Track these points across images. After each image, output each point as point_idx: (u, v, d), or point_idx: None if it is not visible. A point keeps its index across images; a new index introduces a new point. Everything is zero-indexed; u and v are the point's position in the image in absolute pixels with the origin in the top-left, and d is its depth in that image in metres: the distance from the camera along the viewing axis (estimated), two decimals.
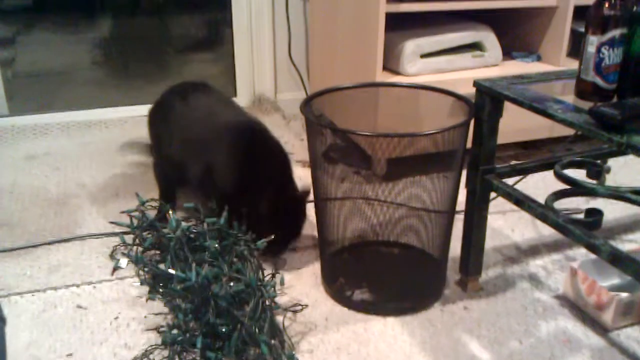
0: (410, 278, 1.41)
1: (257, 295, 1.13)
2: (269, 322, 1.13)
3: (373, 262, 1.47)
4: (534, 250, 1.53)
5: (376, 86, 1.53)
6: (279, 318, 1.24)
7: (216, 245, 1.23)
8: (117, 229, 1.49)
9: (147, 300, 1.26)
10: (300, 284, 1.37)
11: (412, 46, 1.87)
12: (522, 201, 1.15)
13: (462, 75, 1.90)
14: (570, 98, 1.11)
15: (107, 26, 3.18)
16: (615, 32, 1.03)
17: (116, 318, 1.25)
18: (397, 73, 1.90)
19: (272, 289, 1.19)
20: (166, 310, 1.25)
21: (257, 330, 1.10)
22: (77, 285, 1.35)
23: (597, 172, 1.26)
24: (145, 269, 1.31)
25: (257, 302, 1.13)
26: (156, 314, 1.25)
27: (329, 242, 1.38)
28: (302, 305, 1.29)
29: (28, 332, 1.21)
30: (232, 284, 1.15)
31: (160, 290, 1.24)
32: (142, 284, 1.27)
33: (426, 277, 1.40)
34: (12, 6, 3.00)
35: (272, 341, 1.12)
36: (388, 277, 1.40)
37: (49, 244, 1.51)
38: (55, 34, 3.11)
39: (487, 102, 1.18)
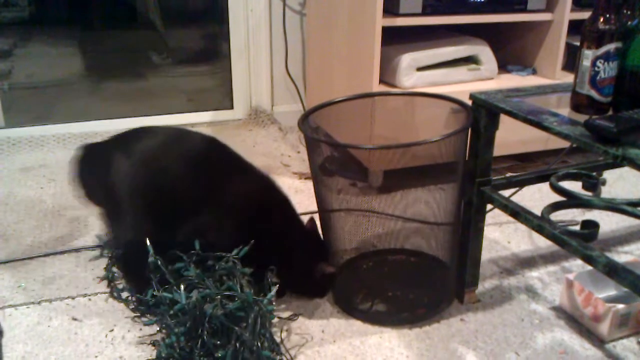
0: (420, 286, 1.41)
1: (254, 310, 1.12)
2: (269, 337, 1.13)
3: (385, 273, 1.47)
4: (530, 261, 1.53)
5: (371, 96, 1.54)
6: (275, 330, 1.23)
7: (197, 271, 1.20)
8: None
9: (137, 318, 1.26)
10: (297, 296, 1.37)
11: (408, 59, 1.88)
12: (518, 213, 1.15)
13: (458, 88, 1.91)
14: (565, 111, 1.12)
15: (104, 39, 3.19)
16: (610, 46, 1.04)
17: (111, 331, 1.24)
18: (394, 86, 1.91)
19: (269, 302, 1.18)
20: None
21: (259, 345, 1.09)
22: (72, 298, 1.34)
23: (593, 184, 1.27)
24: (132, 299, 1.31)
25: (256, 317, 1.12)
26: (152, 332, 1.24)
27: (335, 253, 1.38)
28: (296, 315, 1.28)
29: (22, 344, 1.20)
30: (225, 302, 1.13)
31: (148, 315, 1.24)
32: (133, 311, 1.28)
33: (436, 284, 1.41)
34: (8, 19, 3.01)
35: (277, 355, 1.12)
36: (400, 287, 1.39)
37: (44, 256, 1.50)
38: (52, 46, 3.12)
39: (483, 114, 1.18)
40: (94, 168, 1.38)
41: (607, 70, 1.05)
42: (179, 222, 1.27)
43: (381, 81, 1.88)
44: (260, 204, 1.32)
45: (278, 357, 1.14)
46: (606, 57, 1.05)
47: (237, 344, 1.08)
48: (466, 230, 1.29)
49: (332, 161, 1.32)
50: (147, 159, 1.30)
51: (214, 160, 1.33)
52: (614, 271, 0.97)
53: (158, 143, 1.34)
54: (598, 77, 1.06)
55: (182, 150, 1.32)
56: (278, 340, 1.19)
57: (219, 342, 1.08)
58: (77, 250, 1.53)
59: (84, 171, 1.41)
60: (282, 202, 1.36)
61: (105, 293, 1.36)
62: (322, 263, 1.31)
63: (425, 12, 1.83)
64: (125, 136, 1.37)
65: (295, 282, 1.34)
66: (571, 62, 2.06)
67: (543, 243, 1.60)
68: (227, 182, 1.30)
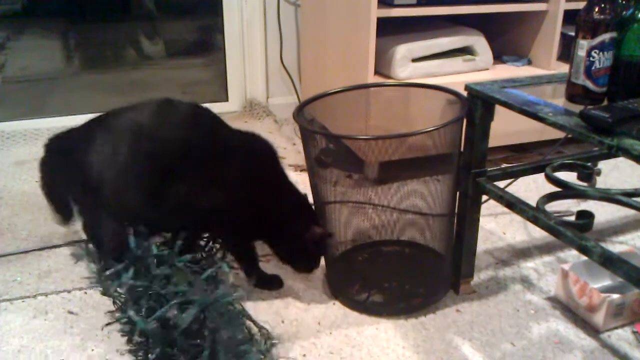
0: (416, 277, 1.42)
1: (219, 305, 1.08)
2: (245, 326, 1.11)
3: (381, 264, 1.47)
4: (526, 252, 1.53)
5: (366, 87, 1.53)
6: (267, 319, 1.23)
7: (165, 271, 1.13)
8: None
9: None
10: (293, 288, 1.37)
11: (404, 50, 1.88)
12: (513, 204, 1.15)
13: (453, 79, 1.91)
14: (560, 101, 1.12)
15: (98, 31, 3.17)
16: (605, 36, 1.04)
17: (108, 324, 1.24)
18: (389, 77, 1.91)
19: (228, 294, 1.11)
20: None
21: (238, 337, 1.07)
22: (68, 291, 1.34)
23: (588, 174, 1.27)
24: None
25: (221, 313, 1.07)
26: None
27: (331, 244, 1.38)
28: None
29: (18, 338, 1.20)
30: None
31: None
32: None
33: (432, 275, 1.41)
34: (1, 11, 2.98)
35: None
36: (395, 278, 1.40)
37: (40, 249, 1.50)
38: (46, 39, 3.10)
39: (478, 105, 1.18)
40: (64, 163, 1.32)
41: (602, 60, 1.05)
42: (165, 189, 1.22)
43: (376, 72, 1.87)
44: (251, 168, 1.28)
45: (260, 345, 1.12)
46: (601, 47, 1.04)
47: (214, 343, 1.04)
48: (462, 221, 1.29)
49: (327, 153, 1.32)
50: (121, 132, 1.24)
51: (198, 127, 1.27)
52: (609, 261, 0.97)
53: (134, 116, 1.27)
54: (593, 67, 1.06)
55: (162, 118, 1.26)
56: (270, 328, 1.19)
57: (197, 341, 1.05)
58: (72, 243, 1.52)
59: (54, 172, 1.36)
60: (272, 167, 1.32)
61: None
62: (314, 227, 1.27)
63: (420, 3, 1.82)
64: (93, 122, 1.32)
65: (287, 250, 1.33)
66: (566, 52, 2.05)
67: (538, 234, 1.61)
68: (215, 146, 1.25)
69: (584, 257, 1.04)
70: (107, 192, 1.23)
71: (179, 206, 1.23)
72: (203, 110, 1.30)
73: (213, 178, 1.23)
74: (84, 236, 1.54)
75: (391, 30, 1.93)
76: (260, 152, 1.32)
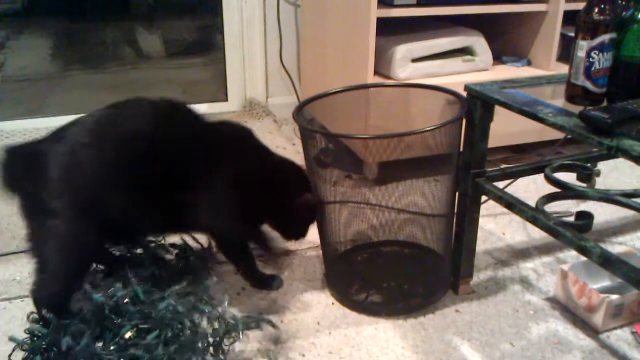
0: (415, 277, 1.42)
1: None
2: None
3: (380, 264, 1.47)
4: (525, 252, 1.54)
5: (366, 88, 1.53)
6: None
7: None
8: None
9: None
10: (292, 288, 1.37)
11: (403, 51, 1.88)
12: (512, 204, 1.15)
13: (453, 79, 1.91)
14: (560, 102, 1.12)
15: (97, 30, 3.17)
16: (605, 37, 1.04)
17: None
18: (388, 77, 1.91)
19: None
20: None
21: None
22: None
23: (587, 175, 1.27)
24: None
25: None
26: None
27: (330, 244, 1.38)
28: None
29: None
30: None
31: None
32: None
33: (431, 275, 1.41)
34: (1, 10, 2.98)
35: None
36: (395, 278, 1.40)
37: None
38: (45, 38, 3.10)
39: (478, 106, 1.18)
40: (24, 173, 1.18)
41: (602, 61, 1.05)
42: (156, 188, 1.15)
43: (376, 72, 1.87)
44: (237, 151, 1.25)
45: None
46: (601, 47, 1.05)
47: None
48: (461, 222, 1.29)
49: (327, 153, 1.32)
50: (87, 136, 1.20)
51: (172, 120, 1.20)
52: (608, 262, 0.97)
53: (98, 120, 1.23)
54: (593, 68, 1.06)
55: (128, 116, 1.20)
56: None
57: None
58: None
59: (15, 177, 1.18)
60: (253, 143, 1.30)
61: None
62: (306, 194, 1.28)
63: (420, 3, 1.82)
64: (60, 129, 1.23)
65: (278, 217, 1.32)
66: (566, 53, 2.05)
67: (537, 234, 1.61)
68: (197, 135, 1.20)
69: (583, 258, 1.04)
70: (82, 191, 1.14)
71: (172, 202, 1.17)
72: (178, 104, 1.24)
73: (202, 167, 1.18)
74: None
75: (391, 30, 1.93)
76: (239, 132, 1.30)
